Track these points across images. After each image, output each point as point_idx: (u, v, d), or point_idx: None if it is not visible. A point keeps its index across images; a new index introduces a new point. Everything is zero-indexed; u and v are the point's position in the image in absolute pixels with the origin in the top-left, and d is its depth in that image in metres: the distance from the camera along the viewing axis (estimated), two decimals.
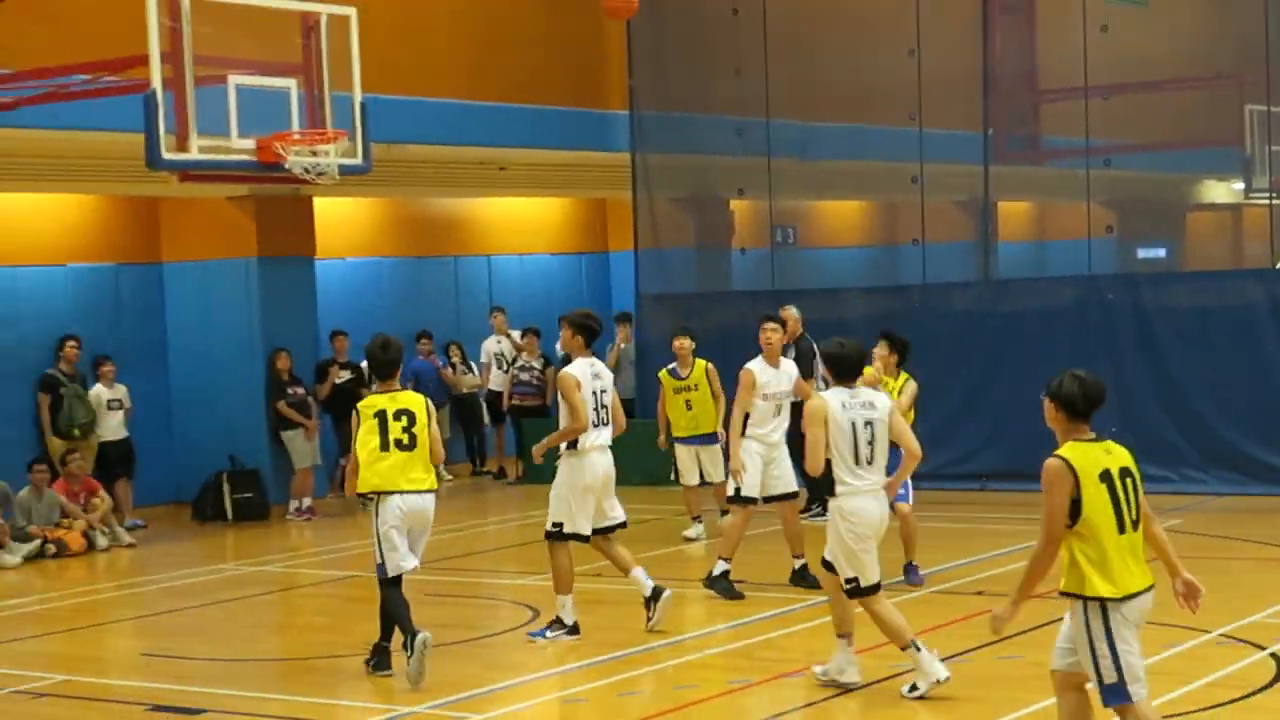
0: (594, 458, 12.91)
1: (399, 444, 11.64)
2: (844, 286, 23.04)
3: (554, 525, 12.93)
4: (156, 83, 13.81)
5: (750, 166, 23.06)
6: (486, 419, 24.75)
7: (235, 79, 14.57)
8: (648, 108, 23.67)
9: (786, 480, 14.90)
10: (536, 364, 23.78)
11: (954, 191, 23.46)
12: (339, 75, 15.14)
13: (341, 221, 23.91)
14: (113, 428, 20.76)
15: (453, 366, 24.30)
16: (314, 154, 14.69)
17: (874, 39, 23.24)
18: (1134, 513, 7.89)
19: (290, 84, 15.09)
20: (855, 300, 22.37)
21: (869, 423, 10.73)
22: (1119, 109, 22.32)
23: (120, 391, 20.90)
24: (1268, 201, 21.59)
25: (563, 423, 12.89)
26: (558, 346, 24.75)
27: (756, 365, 14.99)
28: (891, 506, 11.83)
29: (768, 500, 14.86)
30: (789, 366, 15.25)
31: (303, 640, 14.28)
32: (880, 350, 15.12)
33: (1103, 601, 7.79)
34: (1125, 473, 7.90)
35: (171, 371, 22.34)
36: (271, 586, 16.80)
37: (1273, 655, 11.42)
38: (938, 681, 10.68)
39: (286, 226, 21.98)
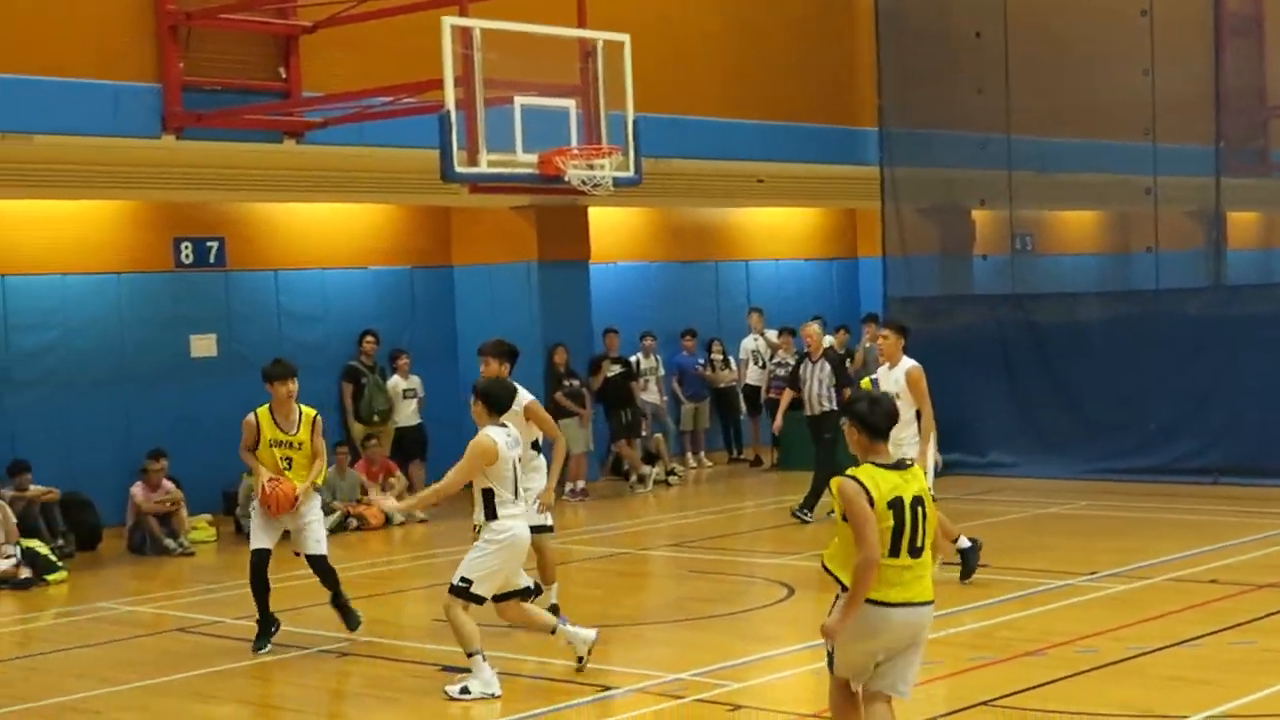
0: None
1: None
2: (1080, 291, 22.64)
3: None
4: (450, 104, 14.05)
5: (991, 179, 22.72)
6: (744, 410, 24.74)
7: (520, 100, 14.76)
8: (896, 124, 23.43)
9: None
10: (791, 360, 23.70)
11: (1185, 202, 22.83)
12: (613, 96, 15.25)
13: (614, 229, 24.07)
14: (408, 415, 21.17)
15: (713, 363, 24.33)
16: (590, 168, 14.82)
17: (1109, 59, 22.73)
18: (920, 539, 7.57)
19: (569, 104, 15.25)
20: (1091, 304, 22.01)
21: None
22: None
23: (415, 382, 21.30)
24: None
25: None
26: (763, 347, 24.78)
27: None
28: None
29: None
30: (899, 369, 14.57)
31: (576, 609, 14.34)
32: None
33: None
34: (917, 501, 7.57)
35: (460, 364, 22.65)
36: None
37: None
38: (494, 695, 10.37)
39: (564, 233, 22.20)
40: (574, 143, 15.04)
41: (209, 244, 20.13)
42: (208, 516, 18.80)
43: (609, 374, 22.11)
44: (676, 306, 24.87)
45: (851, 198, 25.77)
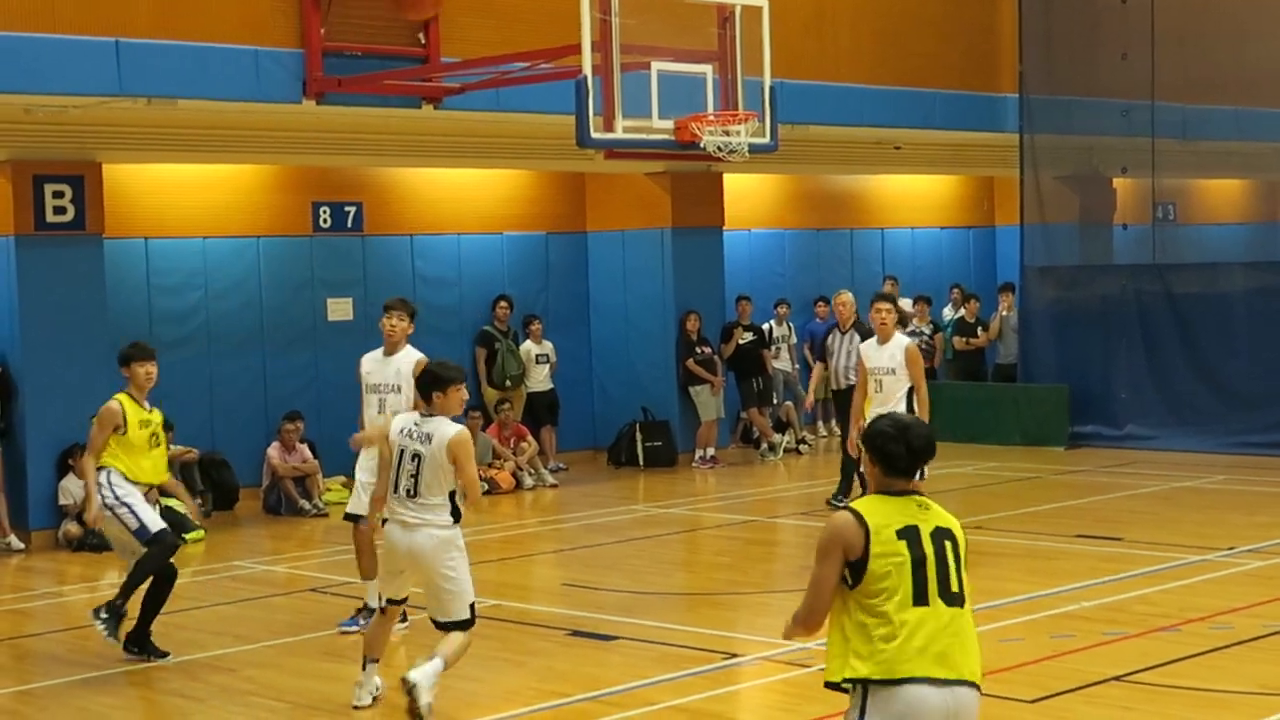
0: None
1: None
2: (1223, 261, 22.29)
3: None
4: (587, 69, 14.06)
5: (1134, 147, 22.41)
6: None
7: (657, 65, 14.73)
8: (1036, 91, 23.16)
9: None
10: (926, 329, 23.60)
11: None
12: (751, 62, 15.18)
13: (748, 196, 24.03)
14: (540, 380, 21.31)
15: (904, 321, 24.22)
16: (726, 134, 14.76)
17: (1258, 25, 22.33)
18: (955, 582, 5.78)
19: (706, 70, 15.20)
20: (1234, 274, 21.70)
21: None
22: None
23: (547, 347, 21.43)
24: None
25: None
26: (944, 312, 24.56)
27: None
28: None
29: None
30: (894, 344, 14.07)
31: (705, 577, 14.43)
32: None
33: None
34: (944, 533, 5.84)
35: (593, 330, 22.79)
36: (678, 527, 17.02)
37: None
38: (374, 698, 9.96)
39: (699, 200, 22.18)
40: (710, 109, 14.99)
41: (347, 208, 20.37)
42: (341, 478, 19.04)
43: (741, 341, 22.08)
44: (810, 274, 24.79)
45: (990, 165, 25.50)
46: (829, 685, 5.85)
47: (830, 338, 18.38)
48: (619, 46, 14.39)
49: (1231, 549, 14.15)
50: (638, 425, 21.72)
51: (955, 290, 24.91)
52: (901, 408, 13.50)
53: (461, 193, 21.48)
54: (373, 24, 17.64)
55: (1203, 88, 22.41)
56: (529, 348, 21.27)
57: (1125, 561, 13.68)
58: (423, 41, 17.38)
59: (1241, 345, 21.00)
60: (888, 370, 13.90)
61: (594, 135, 14.24)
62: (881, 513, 5.81)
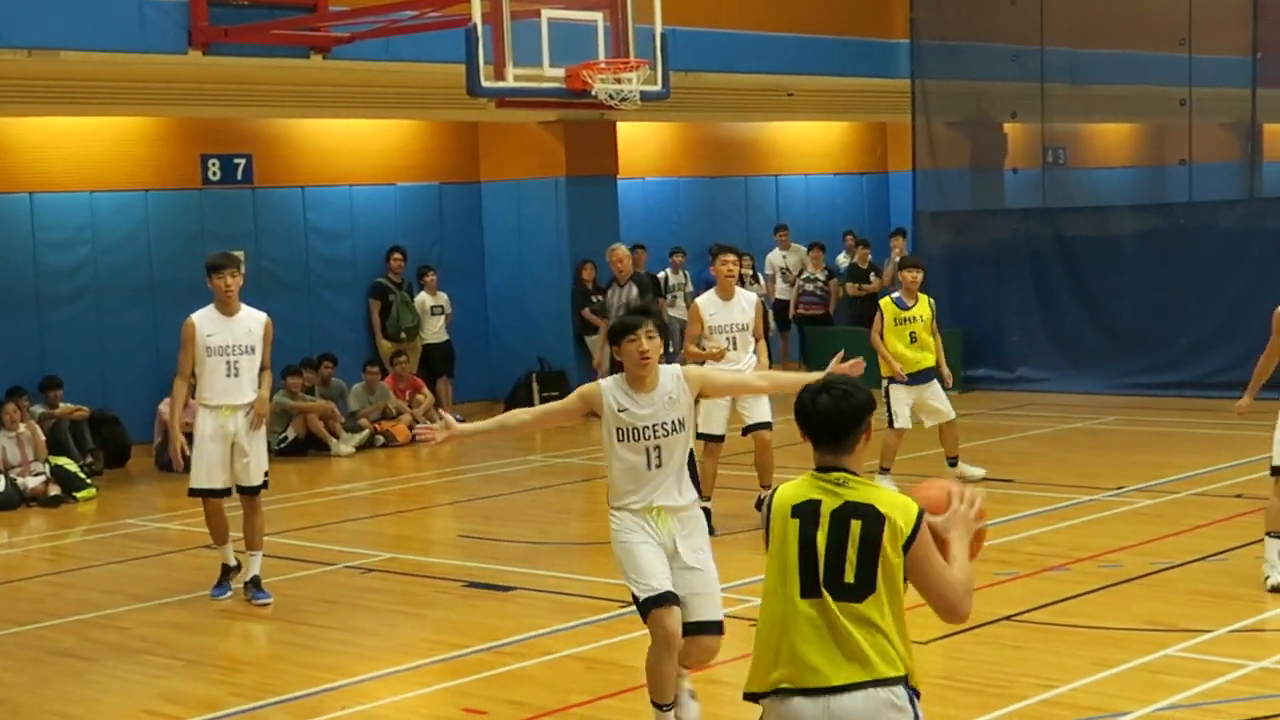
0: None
1: None
2: (1112, 205, 22.54)
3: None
4: (477, 17, 13.97)
5: (1024, 91, 22.58)
6: (773, 326, 24.70)
7: (547, 13, 14.67)
8: (927, 36, 23.26)
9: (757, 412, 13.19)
10: (821, 275, 23.78)
11: (1221, 114, 22.66)
12: (642, 9, 15.14)
13: (642, 144, 24.00)
14: (435, 331, 21.23)
15: (742, 278, 24.26)
16: (618, 81, 14.72)
17: None
18: (851, 571, 4.97)
19: (597, 17, 15.15)
20: (1123, 217, 21.94)
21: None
22: None
23: (442, 299, 21.35)
24: None
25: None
26: (839, 258, 24.71)
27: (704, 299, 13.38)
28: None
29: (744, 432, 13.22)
30: (743, 299, 13.41)
31: (602, 525, 14.42)
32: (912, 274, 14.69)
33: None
34: (851, 512, 5.01)
35: (488, 281, 22.72)
36: (576, 477, 17.04)
37: None
38: None
39: (592, 148, 22.13)
40: (601, 56, 14.95)
41: (236, 161, 20.14)
42: None
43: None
44: (705, 222, 24.81)
45: (882, 111, 25.62)
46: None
47: (610, 291, 17.98)
48: None
49: (1120, 488, 14.36)
50: (534, 375, 21.69)
51: (849, 236, 25.03)
52: (749, 361, 13.06)
53: (353, 143, 21.30)
54: None
55: (1090, 32, 22.60)
56: (424, 299, 21.17)
57: (1017, 502, 13.86)
58: None
59: (1130, 287, 21.26)
60: (741, 326, 13.19)
61: (485, 84, 14.16)
62: (791, 488, 5.14)
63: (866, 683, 4.92)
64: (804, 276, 23.91)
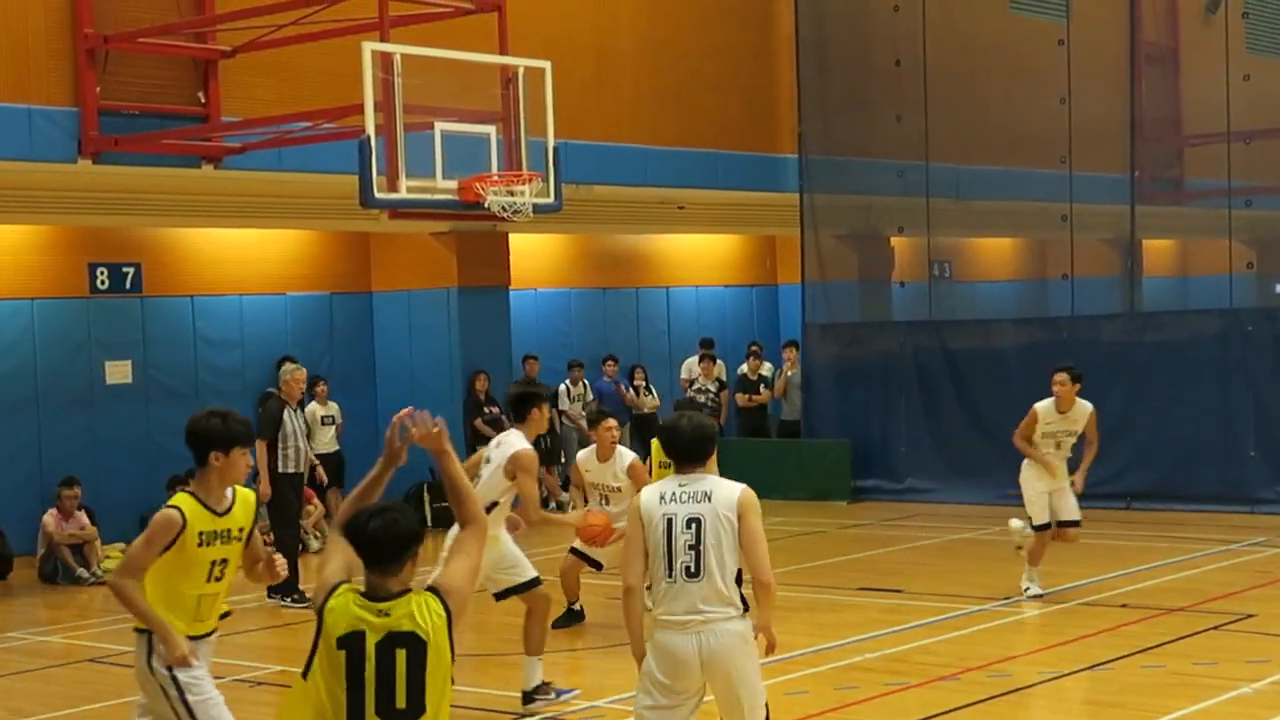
0: None
1: None
2: (997, 318, 22.91)
3: None
4: (370, 129, 14.07)
5: (910, 206, 22.95)
6: None
7: (441, 125, 14.80)
8: (815, 152, 23.63)
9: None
10: (712, 386, 23.91)
11: (1101, 230, 23.15)
12: (534, 122, 15.31)
13: (534, 255, 24.10)
14: (326, 442, 21.06)
15: (635, 389, 24.40)
16: (511, 194, 14.86)
17: (1027, 88, 23.08)
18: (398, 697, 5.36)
19: (490, 130, 15.30)
20: (1007, 331, 22.28)
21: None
22: (1260, 153, 21.94)
23: (333, 409, 21.22)
24: None
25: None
26: (742, 369, 24.87)
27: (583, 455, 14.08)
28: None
29: None
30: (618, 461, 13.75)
31: (495, 637, 14.38)
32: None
33: None
34: (397, 640, 5.47)
35: (379, 391, 22.63)
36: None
37: None
38: None
39: (484, 259, 22.19)
40: (494, 169, 15.09)
41: (125, 269, 19.99)
42: (121, 545, 18.59)
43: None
44: (597, 332, 24.92)
45: (771, 224, 25.92)
46: None
47: (285, 413, 16.87)
48: (402, 106, 14.44)
49: (1009, 599, 14.49)
50: (425, 485, 21.58)
51: (753, 346, 25.10)
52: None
53: (243, 253, 21.21)
54: (151, 82, 17.44)
55: (974, 148, 23.10)
56: (314, 409, 21.02)
57: (907, 613, 13.94)
58: (202, 100, 17.23)
59: (1014, 399, 21.35)
60: (613, 488, 13.66)
61: (378, 195, 14.24)
62: (342, 613, 5.34)
63: None
64: (695, 387, 24.01)
